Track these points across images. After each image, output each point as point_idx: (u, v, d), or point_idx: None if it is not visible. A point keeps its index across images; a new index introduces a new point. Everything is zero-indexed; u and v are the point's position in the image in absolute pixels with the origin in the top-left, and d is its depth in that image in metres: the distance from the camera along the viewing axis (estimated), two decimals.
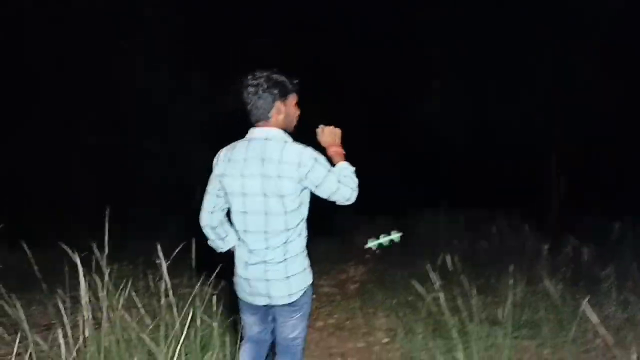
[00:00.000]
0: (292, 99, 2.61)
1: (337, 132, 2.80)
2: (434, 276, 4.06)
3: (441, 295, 3.92)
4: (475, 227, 8.47)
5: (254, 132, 2.57)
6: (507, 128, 12.32)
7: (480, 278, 5.99)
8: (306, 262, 2.67)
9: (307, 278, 2.68)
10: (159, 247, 3.49)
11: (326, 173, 2.50)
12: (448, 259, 4.81)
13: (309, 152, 2.49)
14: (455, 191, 11.02)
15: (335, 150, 2.73)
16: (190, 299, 3.80)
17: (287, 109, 2.58)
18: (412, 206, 10.00)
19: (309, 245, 2.68)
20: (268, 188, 2.46)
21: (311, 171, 2.46)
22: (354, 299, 5.96)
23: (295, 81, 2.61)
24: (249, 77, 2.54)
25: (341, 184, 2.53)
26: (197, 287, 4.03)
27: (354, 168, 2.67)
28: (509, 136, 12.49)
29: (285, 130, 2.60)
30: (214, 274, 4.09)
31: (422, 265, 6.61)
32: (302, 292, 2.64)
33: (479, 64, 12.22)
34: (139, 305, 3.78)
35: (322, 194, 2.54)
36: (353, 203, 2.63)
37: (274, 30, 11.94)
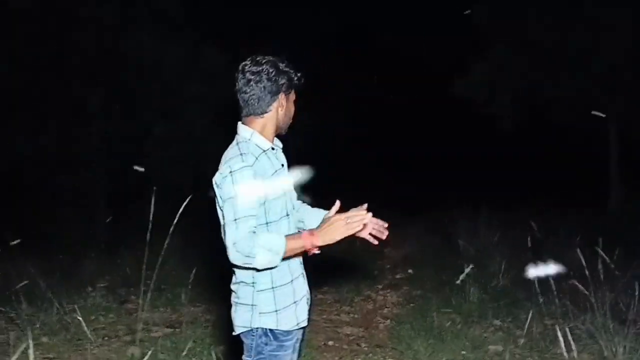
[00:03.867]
0: (293, 95, 2.26)
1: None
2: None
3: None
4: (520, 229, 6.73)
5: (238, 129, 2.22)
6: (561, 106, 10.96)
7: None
8: None
9: None
10: None
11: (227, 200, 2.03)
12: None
13: (232, 163, 2.05)
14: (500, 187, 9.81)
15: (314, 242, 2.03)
16: None
17: (289, 105, 2.25)
18: (452, 204, 8.51)
19: (319, 260, 2.26)
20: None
21: (219, 186, 2.07)
22: (386, 349, 4.44)
23: (300, 75, 2.22)
24: (249, 61, 2.16)
25: (235, 230, 1.97)
26: None
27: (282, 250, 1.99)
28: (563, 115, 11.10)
29: (279, 132, 2.25)
30: None
31: (470, 294, 5.22)
32: None
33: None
34: None
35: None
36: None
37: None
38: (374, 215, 2.10)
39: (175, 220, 3.88)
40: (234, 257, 1.98)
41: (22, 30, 9.43)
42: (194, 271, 5.12)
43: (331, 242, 2.04)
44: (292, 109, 2.27)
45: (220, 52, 10.57)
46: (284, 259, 2.04)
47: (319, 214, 2.28)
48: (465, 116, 12.34)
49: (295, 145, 2.53)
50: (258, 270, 2.06)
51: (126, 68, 10.20)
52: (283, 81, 2.15)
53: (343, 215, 2.03)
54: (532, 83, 11.44)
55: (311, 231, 2.06)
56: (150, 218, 3.98)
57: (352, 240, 6.84)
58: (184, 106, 10.82)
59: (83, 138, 10.24)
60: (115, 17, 10.00)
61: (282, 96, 2.18)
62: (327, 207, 2.21)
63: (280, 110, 2.19)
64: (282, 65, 2.16)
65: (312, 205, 2.38)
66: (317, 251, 2.09)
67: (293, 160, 2.33)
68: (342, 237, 2.03)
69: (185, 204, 3.84)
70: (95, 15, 9.82)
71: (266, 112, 2.16)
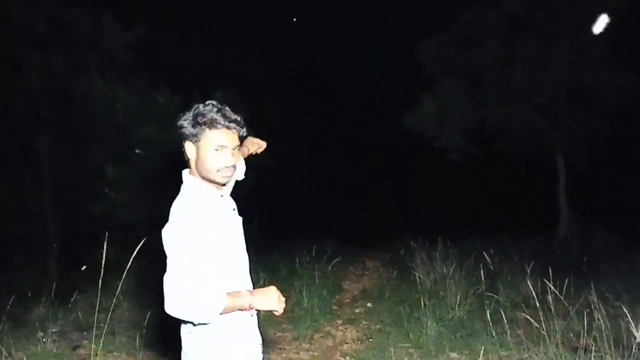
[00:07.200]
0: (210, 140, 2.04)
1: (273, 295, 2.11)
2: None
3: None
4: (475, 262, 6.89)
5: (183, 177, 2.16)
6: (509, 138, 11.35)
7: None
8: None
9: None
10: None
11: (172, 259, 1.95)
12: None
13: (178, 216, 1.99)
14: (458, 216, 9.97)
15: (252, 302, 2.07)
16: None
17: (201, 153, 2.06)
18: (409, 236, 8.58)
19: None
20: None
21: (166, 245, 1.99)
22: None
23: (219, 115, 2.03)
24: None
25: (175, 284, 1.92)
26: None
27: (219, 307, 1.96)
28: (512, 147, 11.48)
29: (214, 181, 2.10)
30: None
31: (427, 327, 5.25)
32: None
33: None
34: None
35: None
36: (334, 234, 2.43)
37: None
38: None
39: (130, 263, 3.81)
40: (171, 309, 1.94)
41: None
42: (148, 314, 5.01)
43: (263, 309, 2.09)
44: (209, 158, 2.06)
45: (172, 95, 10.50)
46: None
47: None
48: (417, 150, 12.60)
49: (251, 183, 2.52)
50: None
51: (75, 111, 10.04)
52: (182, 130, 2.08)
53: (277, 292, 2.10)
54: (480, 116, 11.81)
55: (251, 291, 2.08)
56: (103, 261, 3.89)
57: (311, 275, 6.80)
58: (136, 148, 10.64)
59: (32, 183, 9.98)
60: (62, 62, 9.83)
61: (188, 144, 2.08)
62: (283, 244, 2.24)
63: (190, 158, 2.11)
64: (187, 114, 2.08)
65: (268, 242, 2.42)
66: (253, 311, 2.13)
67: (249, 198, 2.33)
68: (271, 309, 2.10)
69: (139, 246, 3.77)
70: (42, 61, 9.66)
71: (187, 161, 2.12)
